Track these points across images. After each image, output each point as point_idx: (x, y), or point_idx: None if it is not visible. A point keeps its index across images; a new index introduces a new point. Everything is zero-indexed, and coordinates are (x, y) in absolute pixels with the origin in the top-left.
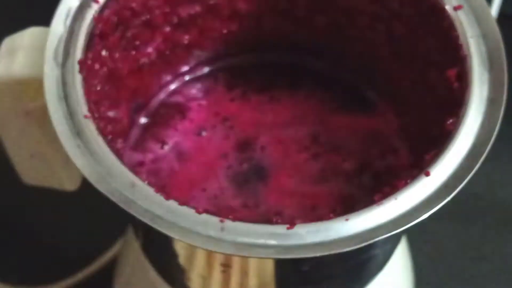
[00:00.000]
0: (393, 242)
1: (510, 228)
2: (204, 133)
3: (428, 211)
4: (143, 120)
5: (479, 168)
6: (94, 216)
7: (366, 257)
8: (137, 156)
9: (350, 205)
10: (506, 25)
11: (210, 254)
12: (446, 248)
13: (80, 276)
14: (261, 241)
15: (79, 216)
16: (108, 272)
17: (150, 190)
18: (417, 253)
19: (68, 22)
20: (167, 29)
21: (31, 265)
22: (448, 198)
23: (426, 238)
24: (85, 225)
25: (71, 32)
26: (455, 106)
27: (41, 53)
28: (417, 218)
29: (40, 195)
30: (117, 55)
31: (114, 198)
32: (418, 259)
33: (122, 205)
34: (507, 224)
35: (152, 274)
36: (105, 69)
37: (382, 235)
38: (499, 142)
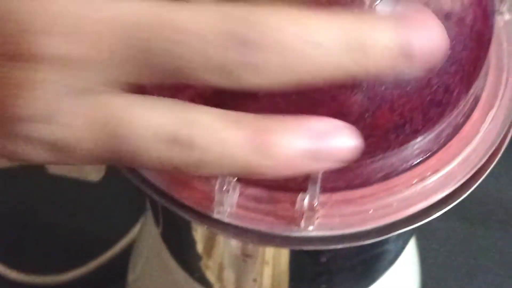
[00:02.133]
0: (405, 238)
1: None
2: None
3: (442, 209)
4: None
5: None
6: (110, 204)
7: (380, 251)
8: None
9: None
10: None
11: (229, 243)
12: (452, 246)
13: (95, 263)
14: (279, 231)
15: (95, 204)
16: (125, 258)
17: None
18: (424, 250)
19: None
20: None
21: (48, 254)
22: (463, 197)
23: (433, 236)
24: (101, 213)
25: None
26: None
27: None
28: (430, 216)
29: (62, 184)
30: None
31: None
32: (425, 256)
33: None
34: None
35: (170, 261)
36: None
37: (397, 230)
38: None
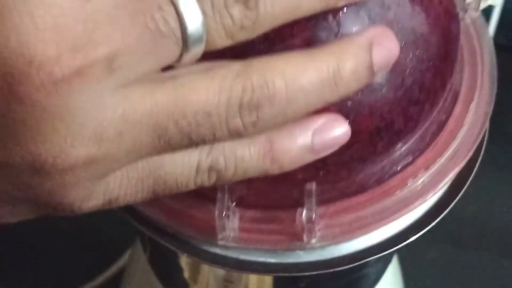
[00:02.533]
0: (384, 261)
1: (503, 253)
2: None
3: (415, 235)
4: None
5: (475, 194)
6: (102, 229)
7: (359, 275)
8: None
9: None
10: (499, 55)
11: (214, 269)
12: (437, 269)
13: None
14: (262, 259)
15: (87, 230)
16: (116, 283)
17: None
18: (413, 274)
19: None
20: None
21: (39, 278)
22: (435, 222)
23: (419, 259)
24: (93, 238)
25: None
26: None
27: None
28: (405, 241)
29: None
30: None
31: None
32: (414, 280)
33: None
34: (500, 249)
35: (158, 286)
36: None
37: (373, 256)
38: (496, 170)
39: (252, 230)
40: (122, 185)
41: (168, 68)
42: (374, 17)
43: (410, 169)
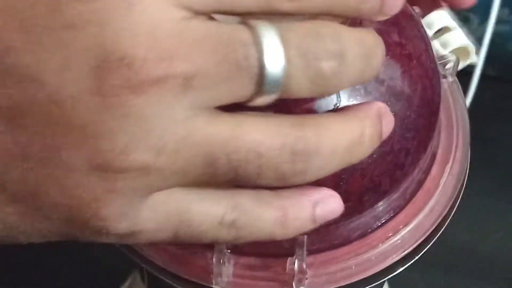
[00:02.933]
0: None
1: (495, 280)
2: None
3: (416, 257)
4: None
5: (467, 223)
6: (100, 259)
7: None
8: None
9: None
10: (488, 86)
11: None
12: None
13: None
14: None
15: (85, 259)
16: None
17: None
18: None
19: None
20: None
21: None
22: (431, 243)
23: (407, 286)
24: (93, 266)
25: None
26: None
27: None
28: (406, 265)
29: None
30: None
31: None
32: None
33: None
34: (493, 276)
35: None
36: None
37: (378, 281)
38: (486, 198)
39: (246, 276)
40: (150, 218)
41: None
42: (369, 90)
43: (391, 224)
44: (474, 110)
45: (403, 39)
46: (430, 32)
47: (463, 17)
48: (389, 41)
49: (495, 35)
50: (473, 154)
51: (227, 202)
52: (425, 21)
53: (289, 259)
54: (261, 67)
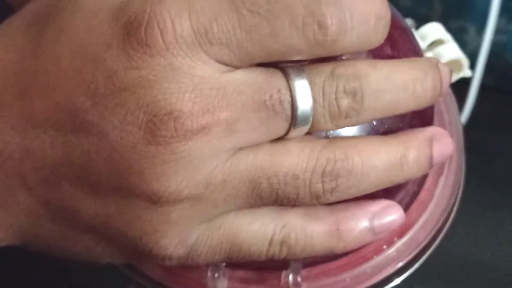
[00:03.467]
0: None
1: None
2: None
3: (411, 269)
4: None
5: (464, 234)
6: (98, 272)
7: None
8: None
9: None
10: (487, 96)
11: None
12: None
13: None
14: None
15: (80, 277)
16: None
17: None
18: None
19: None
20: None
21: None
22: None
23: None
24: (90, 281)
25: None
26: None
27: None
28: (401, 277)
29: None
30: None
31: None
32: None
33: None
34: (487, 285)
35: None
36: None
37: None
38: (484, 209)
39: None
40: (206, 244)
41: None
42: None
43: (385, 236)
44: (472, 121)
45: (396, 52)
46: (423, 44)
47: (460, 27)
48: (381, 54)
49: (493, 45)
50: (471, 164)
51: (276, 223)
52: (419, 33)
53: (283, 272)
54: (294, 109)
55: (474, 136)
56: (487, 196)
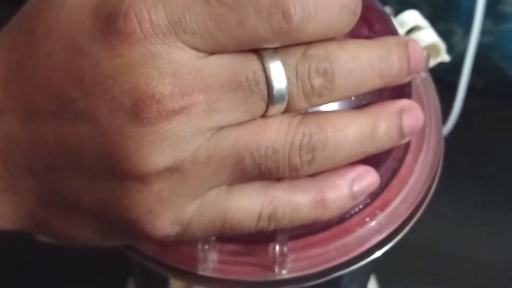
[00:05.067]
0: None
1: None
2: None
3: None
4: None
5: (455, 233)
6: (95, 269)
7: None
8: None
9: None
10: (474, 98)
11: None
12: None
13: None
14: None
15: (80, 270)
16: None
17: None
18: None
19: None
20: None
21: None
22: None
23: None
24: (85, 279)
25: None
26: None
27: None
28: (382, 249)
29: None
30: None
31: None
32: None
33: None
34: (482, 285)
35: None
36: None
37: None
38: (478, 210)
39: (230, 262)
40: (200, 221)
41: None
42: None
43: (368, 209)
44: (461, 122)
45: (373, 33)
46: (402, 31)
47: (448, 29)
48: (358, 35)
49: (480, 46)
50: (461, 165)
51: (263, 198)
52: (397, 20)
53: (271, 245)
54: (270, 88)
55: (463, 138)
56: (478, 197)
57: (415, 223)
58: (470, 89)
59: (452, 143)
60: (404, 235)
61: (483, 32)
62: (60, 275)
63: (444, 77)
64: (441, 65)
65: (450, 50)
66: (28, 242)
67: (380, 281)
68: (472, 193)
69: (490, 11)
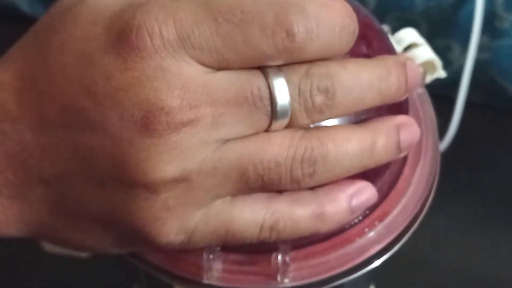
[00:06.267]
0: None
1: None
2: None
3: (390, 252)
4: None
5: (454, 246)
6: (99, 279)
7: None
8: None
9: None
10: (472, 112)
11: None
12: None
13: None
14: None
15: (85, 280)
16: None
17: None
18: None
19: None
20: None
21: None
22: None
23: None
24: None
25: None
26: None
27: None
28: (381, 258)
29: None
30: None
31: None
32: None
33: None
34: None
35: None
36: None
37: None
38: (470, 222)
39: (234, 271)
40: (205, 230)
41: None
42: None
43: (367, 220)
44: (459, 137)
45: (371, 50)
46: (399, 48)
47: (446, 46)
48: (357, 52)
49: (477, 62)
50: (459, 180)
51: (265, 210)
52: (395, 38)
53: (273, 254)
54: (274, 104)
55: (461, 152)
56: (476, 210)
57: (414, 236)
58: (468, 104)
59: (451, 157)
60: (402, 246)
61: (480, 48)
62: (65, 283)
63: (442, 92)
64: (439, 80)
65: (448, 65)
66: (32, 251)
67: None
68: (470, 207)
69: (487, 27)
